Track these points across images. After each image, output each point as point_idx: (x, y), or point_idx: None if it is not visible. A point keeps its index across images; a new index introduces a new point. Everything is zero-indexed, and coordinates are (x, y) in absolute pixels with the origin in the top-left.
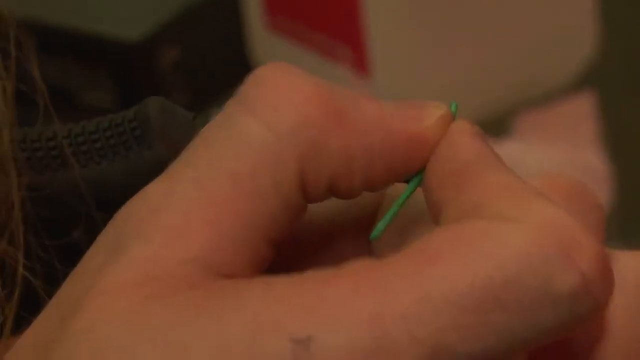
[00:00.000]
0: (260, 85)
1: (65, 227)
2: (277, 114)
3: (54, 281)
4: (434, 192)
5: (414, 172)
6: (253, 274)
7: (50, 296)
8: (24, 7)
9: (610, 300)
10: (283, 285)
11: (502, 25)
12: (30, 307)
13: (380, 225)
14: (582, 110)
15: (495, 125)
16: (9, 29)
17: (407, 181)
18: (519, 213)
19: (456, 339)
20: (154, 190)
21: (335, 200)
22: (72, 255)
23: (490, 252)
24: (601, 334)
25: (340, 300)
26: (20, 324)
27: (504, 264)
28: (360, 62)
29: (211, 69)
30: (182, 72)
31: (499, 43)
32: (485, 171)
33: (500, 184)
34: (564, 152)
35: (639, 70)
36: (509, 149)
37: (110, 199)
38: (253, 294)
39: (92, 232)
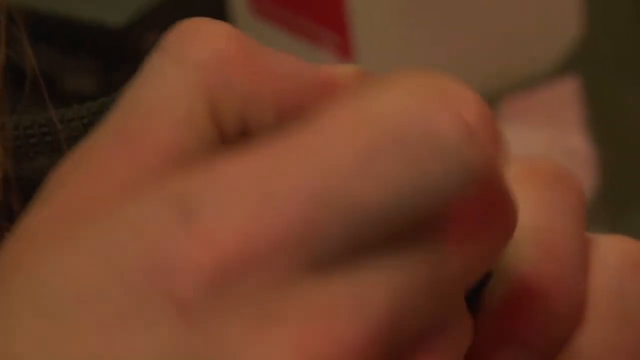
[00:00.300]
0: (179, 31)
1: None
2: (190, 49)
3: None
4: None
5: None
6: None
7: None
8: None
9: (504, 171)
10: None
11: (486, 10)
12: None
13: None
14: (566, 95)
15: None
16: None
17: None
18: (396, 77)
19: (342, 191)
20: (82, 143)
21: None
22: None
23: (369, 107)
24: (582, 318)
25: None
26: None
27: (386, 114)
28: (344, 47)
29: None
30: None
31: (483, 28)
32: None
33: None
34: (548, 137)
35: (623, 55)
36: None
37: None
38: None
39: None
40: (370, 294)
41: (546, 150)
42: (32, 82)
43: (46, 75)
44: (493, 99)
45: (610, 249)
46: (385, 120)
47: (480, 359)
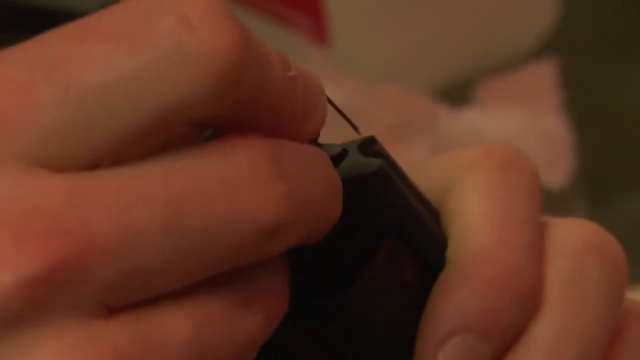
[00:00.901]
0: None
1: None
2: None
3: None
4: None
5: None
6: None
7: None
8: None
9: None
10: None
11: None
12: None
13: None
14: (544, 77)
15: (456, 93)
16: None
17: None
18: None
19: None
20: None
21: None
22: None
23: None
24: (537, 304)
25: None
26: None
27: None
28: (318, 31)
29: None
30: None
31: (460, 10)
32: None
33: None
34: (526, 119)
35: (601, 36)
36: (470, 116)
37: None
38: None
39: None
40: (159, 341)
41: (523, 133)
42: None
43: None
44: (470, 80)
45: (567, 234)
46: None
47: (429, 349)
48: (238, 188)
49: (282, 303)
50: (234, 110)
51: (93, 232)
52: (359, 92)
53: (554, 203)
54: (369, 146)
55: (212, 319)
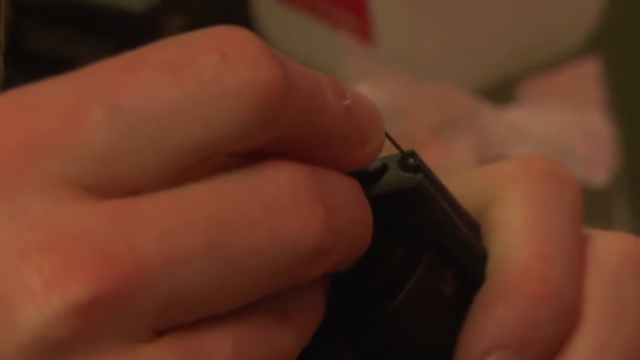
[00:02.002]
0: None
1: None
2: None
3: None
4: None
5: None
6: None
7: None
8: None
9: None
10: None
11: None
12: None
13: None
14: (587, 75)
15: (500, 91)
16: None
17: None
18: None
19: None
20: None
21: None
22: None
23: None
24: (576, 319)
25: None
26: None
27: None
28: (363, 29)
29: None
30: None
31: (504, 7)
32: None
33: None
34: (569, 118)
35: None
36: (513, 114)
37: None
38: None
39: None
40: None
41: (567, 132)
42: (48, 67)
43: (67, 59)
44: (513, 79)
45: (608, 247)
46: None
47: None
48: (279, 210)
49: (318, 316)
50: (278, 142)
51: (139, 257)
52: (402, 90)
53: (597, 202)
54: (409, 160)
55: (252, 338)
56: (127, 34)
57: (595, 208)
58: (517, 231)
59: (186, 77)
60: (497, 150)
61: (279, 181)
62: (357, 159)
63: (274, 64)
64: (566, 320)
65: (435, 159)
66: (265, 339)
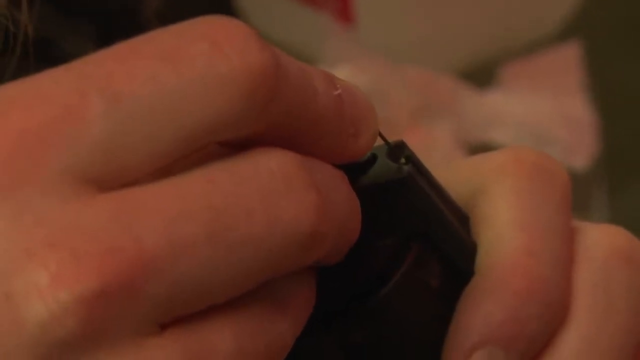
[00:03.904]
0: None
1: None
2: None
3: None
4: None
5: None
6: None
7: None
8: None
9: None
10: None
11: None
12: None
13: None
14: (567, 60)
15: (481, 75)
16: None
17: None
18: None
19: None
20: None
21: None
22: None
23: None
24: (565, 314)
25: None
26: None
27: None
28: (344, 11)
29: (194, 18)
30: (164, 22)
31: None
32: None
33: None
34: (549, 102)
35: (624, 20)
36: (493, 98)
37: None
38: None
39: None
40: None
41: (547, 116)
42: (25, 46)
43: (42, 38)
44: (494, 63)
45: (596, 241)
46: None
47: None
48: (275, 197)
49: (310, 305)
50: (272, 130)
51: (143, 249)
52: (383, 72)
53: (576, 186)
54: (399, 151)
55: (251, 328)
56: (103, 13)
57: (574, 193)
58: (505, 225)
59: (181, 65)
60: (477, 134)
61: (272, 168)
62: (351, 150)
63: (264, 50)
64: (554, 316)
65: (415, 142)
66: (263, 328)
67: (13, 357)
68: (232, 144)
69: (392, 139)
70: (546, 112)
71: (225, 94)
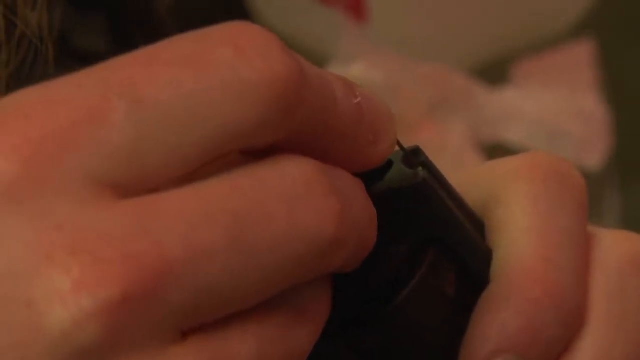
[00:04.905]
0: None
1: None
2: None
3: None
4: None
5: None
6: None
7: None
8: None
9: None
10: None
11: None
12: None
13: None
14: (581, 57)
15: (494, 72)
16: None
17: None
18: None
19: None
20: None
21: None
22: None
23: None
24: (581, 322)
25: None
26: None
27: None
28: (357, 8)
29: (206, 14)
30: (176, 17)
31: None
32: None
33: None
34: (562, 99)
35: (637, 16)
36: (506, 95)
37: None
38: None
39: None
40: None
41: (560, 113)
42: (41, 41)
43: (58, 32)
44: (507, 59)
45: (613, 248)
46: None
47: None
48: (296, 204)
49: (327, 311)
50: (292, 137)
51: (166, 255)
52: (396, 69)
53: (589, 184)
54: (414, 157)
55: (273, 335)
56: (117, 8)
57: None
58: (521, 231)
59: (204, 70)
60: (489, 131)
61: (294, 175)
62: (371, 157)
63: (288, 57)
64: (570, 324)
65: (428, 138)
66: (284, 335)
67: None
68: (253, 151)
69: (404, 135)
70: (559, 110)
71: (249, 100)
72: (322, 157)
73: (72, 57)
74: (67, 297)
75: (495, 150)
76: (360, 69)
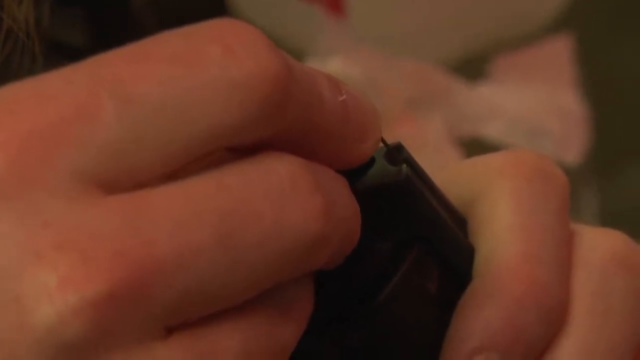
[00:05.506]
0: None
1: None
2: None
3: None
4: None
5: None
6: None
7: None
8: None
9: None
10: None
11: None
12: None
13: None
14: (559, 53)
15: (472, 67)
16: None
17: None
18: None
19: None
20: None
21: None
22: None
23: None
24: (563, 320)
25: None
26: None
27: None
28: (336, 4)
29: (185, 10)
30: (155, 12)
31: None
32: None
33: None
34: (541, 95)
35: (616, 11)
36: (485, 91)
37: None
38: None
39: None
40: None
41: (538, 109)
42: (28, 36)
43: (35, 27)
44: (485, 55)
45: (595, 245)
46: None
47: None
48: (282, 201)
49: (310, 307)
50: (278, 135)
51: (152, 252)
52: (375, 65)
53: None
54: (396, 153)
55: (258, 332)
56: (95, 2)
57: None
58: (503, 229)
59: (193, 68)
60: (468, 127)
61: (279, 172)
62: (356, 154)
63: (276, 55)
64: (553, 321)
65: (408, 134)
66: (269, 332)
67: (20, 359)
68: (240, 149)
69: (383, 130)
70: (538, 105)
71: (237, 98)
72: (308, 155)
73: (57, 52)
74: (53, 294)
75: (474, 146)
76: (339, 64)
